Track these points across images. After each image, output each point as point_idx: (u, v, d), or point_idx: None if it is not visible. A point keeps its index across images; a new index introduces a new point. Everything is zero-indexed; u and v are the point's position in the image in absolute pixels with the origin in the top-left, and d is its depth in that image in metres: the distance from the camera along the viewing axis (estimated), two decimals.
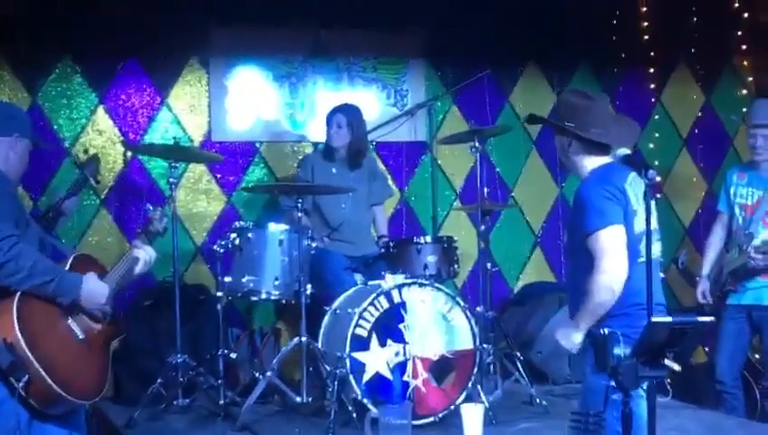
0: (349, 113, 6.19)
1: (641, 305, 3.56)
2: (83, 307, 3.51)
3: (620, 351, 3.55)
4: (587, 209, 3.61)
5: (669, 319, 3.08)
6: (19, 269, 3.27)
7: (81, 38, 6.37)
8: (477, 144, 5.67)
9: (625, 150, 3.52)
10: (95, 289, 3.52)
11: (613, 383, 3.17)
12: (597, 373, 3.54)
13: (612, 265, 3.56)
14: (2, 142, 3.60)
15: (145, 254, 3.87)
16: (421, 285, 5.34)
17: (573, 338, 3.68)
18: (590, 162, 3.75)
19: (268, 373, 5.31)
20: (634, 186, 3.65)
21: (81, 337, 3.49)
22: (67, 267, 3.54)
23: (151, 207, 4.08)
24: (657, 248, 3.68)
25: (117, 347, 3.76)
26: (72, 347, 3.46)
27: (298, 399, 5.26)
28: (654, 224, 3.55)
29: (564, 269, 6.91)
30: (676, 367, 3.06)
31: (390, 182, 6.94)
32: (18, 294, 3.29)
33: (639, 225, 3.62)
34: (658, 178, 3.34)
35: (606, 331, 3.56)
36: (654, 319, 3.08)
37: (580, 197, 3.69)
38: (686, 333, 3.07)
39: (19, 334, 3.22)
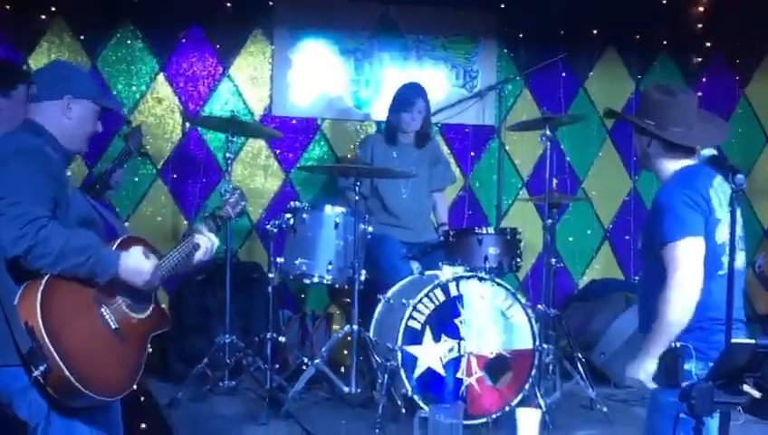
0: (426, 98, 5.98)
1: (718, 321, 3.32)
2: (128, 284, 3.24)
3: (691, 366, 3.33)
4: (665, 216, 3.33)
5: (751, 341, 2.80)
6: (48, 252, 3.03)
7: (144, 3, 6.20)
8: (548, 132, 5.36)
9: (711, 151, 3.23)
10: (137, 264, 3.23)
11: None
12: (665, 389, 3.31)
13: (685, 280, 3.28)
14: (50, 106, 3.32)
15: (207, 241, 3.55)
16: (481, 279, 5.08)
17: (647, 367, 3.38)
18: (672, 164, 3.45)
19: (317, 361, 5.12)
20: (719, 191, 3.36)
21: (113, 327, 3.22)
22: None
23: (230, 189, 3.78)
24: (740, 258, 3.38)
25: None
26: (101, 338, 3.18)
27: (346, 389, 5.08)
28: (739, 232, 3.25)
29: (638, 274, 6.58)
30: (757, 394, 2.78)
31: (454, 167, 6.68)
32: (48, 275, 3.07)
33: (722, 235, 3.33)
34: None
35: (678, 344, 3.34)
36: (734, 340, 2.80)
37: (658, 201, 3.40)
38: None
39: (40, 319, 2.99)
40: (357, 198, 5.17)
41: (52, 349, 2.98)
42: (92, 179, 5.61)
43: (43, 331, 2.98)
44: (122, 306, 3.28)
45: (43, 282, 3.05)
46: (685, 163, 3.45)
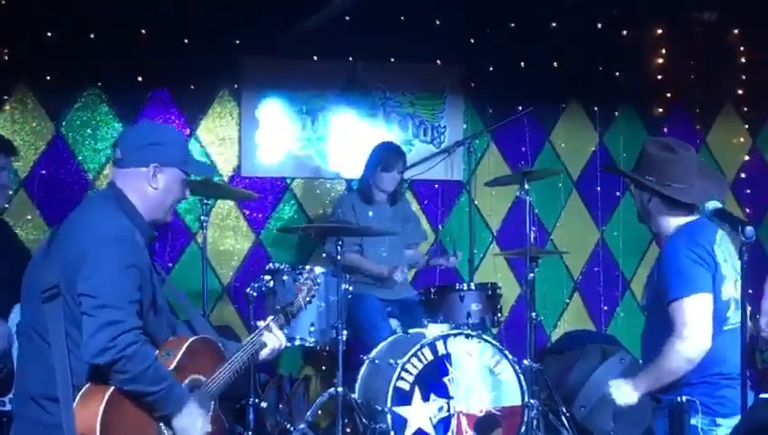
0: (405, 158, 6.00)
1: (725, 376, 3.32)
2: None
3: (697, 421, 3.31)
4: (671, 273, 3.32)
5: None
6: (128, 370, 2.84)
7: (109, 66, 6.08)
8: (527, 186, 5.35)
9: (716, 204, 3.24)
10: (187, 426, 3.01)
11: None
12: None
13: (695, 335, 3.28)
14: (135, 174, 3.08)
15: (275, 340, 3.44)
16: (468, 336, 5.05)
17: (627, 394, 3.42)
18: (674, 220, 3.46)
19: (302, 425, 5.01)
20: (723, 246, 3.37)
21: None
22: (178, 357, 3.06)
23: (302, 275, 3.68)
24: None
25: None
26: None
27: None
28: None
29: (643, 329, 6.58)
30: None
31: (424, 223, 6.65)
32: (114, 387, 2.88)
33: (728, 291, 3.33)
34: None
35: (684, 399, 3.33)
36: (763, 395, 2.78)
37: (664, 258, 3.40)
38: None
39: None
40: (339, 257, 5.09)
41: None
42: None
43: None
44: None
45: (108, 394, 2.85)
46: (687, 219, 3.45)
